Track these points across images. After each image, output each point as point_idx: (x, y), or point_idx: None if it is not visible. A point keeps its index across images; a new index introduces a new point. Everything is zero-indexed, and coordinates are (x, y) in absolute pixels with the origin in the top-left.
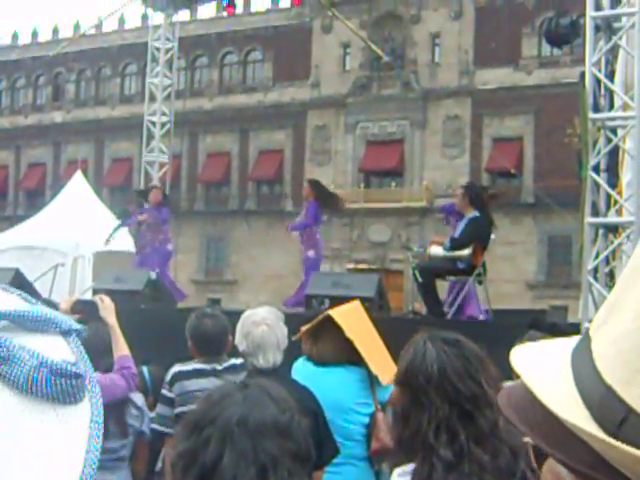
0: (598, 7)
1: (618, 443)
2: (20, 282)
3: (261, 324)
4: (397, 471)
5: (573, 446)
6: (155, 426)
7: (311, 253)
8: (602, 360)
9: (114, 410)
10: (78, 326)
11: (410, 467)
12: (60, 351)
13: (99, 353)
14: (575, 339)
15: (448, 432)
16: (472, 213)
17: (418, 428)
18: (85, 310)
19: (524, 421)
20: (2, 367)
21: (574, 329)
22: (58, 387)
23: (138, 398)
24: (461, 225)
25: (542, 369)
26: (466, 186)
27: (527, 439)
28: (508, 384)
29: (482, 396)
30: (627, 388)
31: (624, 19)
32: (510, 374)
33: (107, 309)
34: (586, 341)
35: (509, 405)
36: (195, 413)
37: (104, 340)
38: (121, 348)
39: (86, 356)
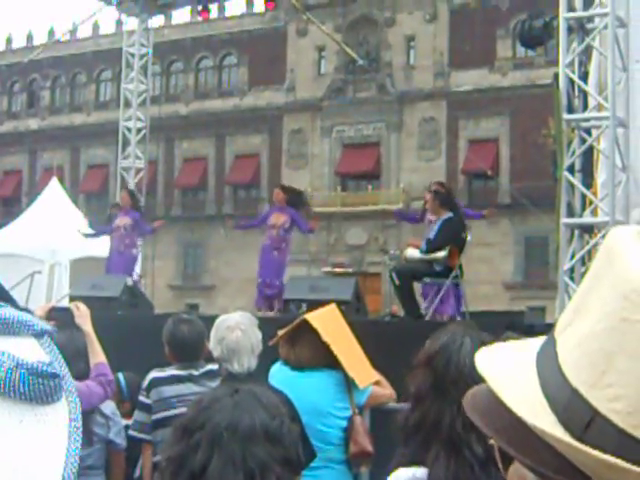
0: (571, 8)
1: (584, 447)
2: None
3: (235, 329)
4: (399, 475)
5: (539, 450)
6: (132, 433)
7: (287, 258)
8: (568, 363)
9: None
10: (50, 327)
11: (421, 472)
12: (34, 352)
13: (72, 359)
14: (540, 340)
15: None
16: (445, 214)
17: (439, 418)
18: (60, 317)
19: (490, 425)
20: None
21: (551, 330)
22: (36, 387)
23: (106, 406)
24: (435, 227)
25: (507, 372)
26: (434, 190)
27: (492, 441)
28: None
29: None
30: (592, 391)
31: (597, 20)
32: None
33: (82, 316)
34: (551, 343)
35: (474, 408)
36: (185, 417)
37: (77, 346)
38: (97, 355)
39: (60, 357)
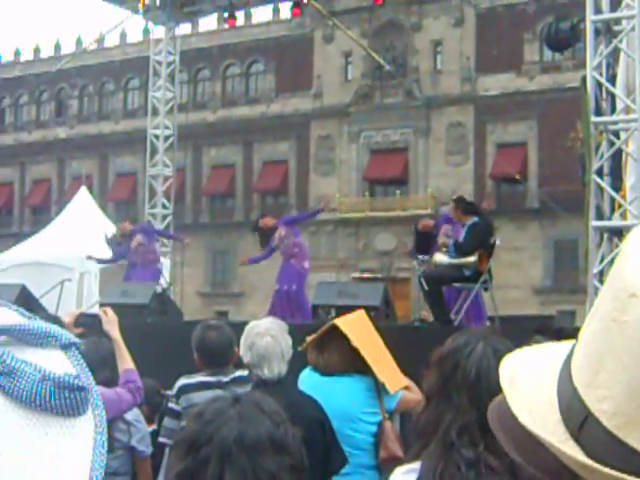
0: (598, 11)
1: (567, 450)
2: (26, 298)
3: (265, 335)
4: (400, 470)
5: (545, 458)
6: (162, 439)
7: (307, 264)
8: (574, 363)
9: None
10: (77, 340)
11: (415, 465)
12: (61, 364)
13: (97, 366)
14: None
15: (470, 436)
16: (470, 220)
17: (438, 419)
18: (88, 324)
19: (506, 436)
20: (5, 381)
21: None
22: (62, 400)
23: (129, 412)
24: (463, 232)
25: (529, 378)
26: (455, 199)
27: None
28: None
29: None
30: (587, 390)
31: (624, 22)
32: None
33: (110, 322)
34: (574, 344)
35: (497, 421)
36: (189, 431)
37: (103, 353)
38: (126, 362)
39: (87, 369)
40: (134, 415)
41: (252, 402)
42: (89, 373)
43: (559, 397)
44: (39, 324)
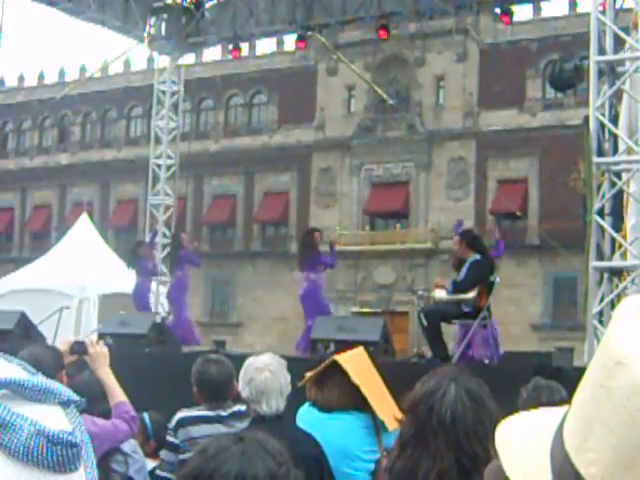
0: (602, 51)
1: None
2: (25, 325)
3: (264, 370)
4: None
5: None
6: (160, 473)
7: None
8: (566, 428)
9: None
10: (76, 397)
11: None
12: (57, 421)
13: (97, 396)
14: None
15: None
16: (473, 257)
17: (415, 465)
18: (83, 351)
19: None
20: (0, 434)
21: (579, 373)
22: (55, 456)
23: (125, 444)
24: (463, 269)
25: (522, 442)
26: (461, 232)
27: None
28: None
29: (485, 460)
30: (577, 454)
31: (627, 63)
32: None
33: (98, 360)
34: (567, 409)
35: None
36: (192, 466)
37: (97, 386)
38: (116, 396)
39: (83, 427)
40: (131, 446)
41: (255, 440)
42: (84, 431)
43: (552, 461)
44: (40, 380)
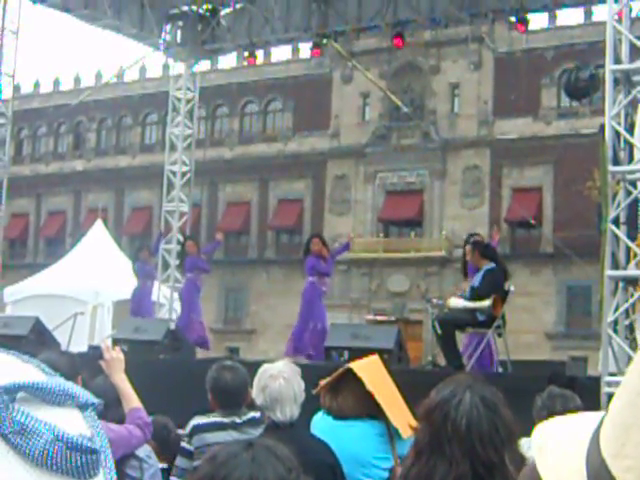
0: (617, 60)
1: None
2: (40, 330)
3: (278, 378)
4: None
5: None
6: (174, 479)
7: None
8: (603, 434)
9: None
10: (95, 400)
11: None
12: (76, 425)
13: (113, 402)
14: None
15: None
16: (487, 265)
17: (430, 472)
18: (98, 356)
19: None
20: (18, 439)
21: (593, 382)
22: (73, 462)
23: (140, 449)
24: (478, 277)
25: (557, 446)
26: (473, 242)
27: None
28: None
29: (500, 467)
30: (614, 461)
31: None
32: (528, 429)
33: (112, 366)
34: (604, 415)
35: None
36: (202, 473)
37: (114, 392)
38: (131, 402)
39: (102, 431)
40: (145, 451)
41: (265, 447)
42: (104, 435)
43: (587, 466)
44: (57, 382)
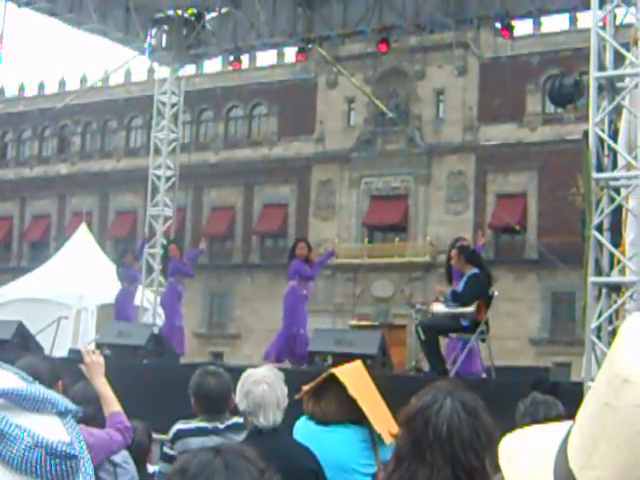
0: (602, 67)
1: None
2: (23, 335)
3: (261, 383)
4: None
5: None
6: None
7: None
8: (570, 444)
9: None
10: (74, 407)
11: None
12: (55, 431)
13: (93, 406)
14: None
15: None
16: (471, 270)
17: (412, 478)
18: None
19: None
20: None
21: (577, 388)
22: (52, 467)
23: (117, 454)
24: (461, 282)
25: (525, 458)
26: (458, 247)
27: None
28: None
29: (481, 472)
30: (581, 472)
31: (627, 79)
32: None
33: (92, 371)
34: (571, 425)
35: None
36: None
37: (92, 393)
38: (111, 405)
39: (81, 437)
40: (122, 457)
41: (235, 451)
42: (83, 441)
43: (555, 476)
44: (37, 389)
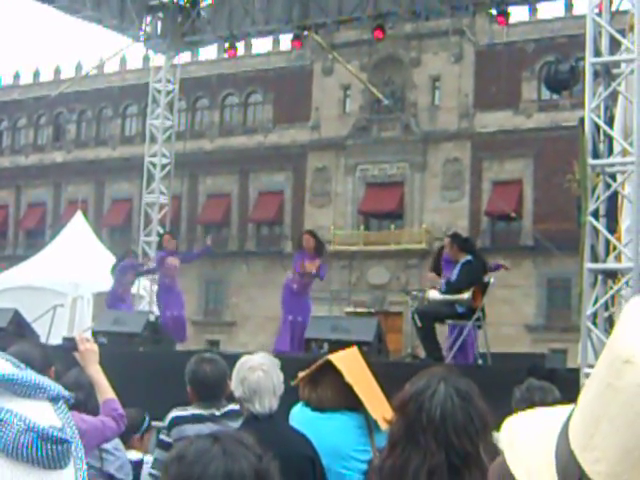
0: (597, 53)
1: None
2: (18, 323)
3: (257, 369)
4: None
5: None
6: (153, 471)
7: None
8: (572, 425)
9: None
10: (66, 393)
11: None
12: (47, 416)
13: (87, 392)
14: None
15: (439, 478)
16: (464, 258)
17: (405, 463)
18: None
19: None
20: None
21: (572, 375)
22: (44, 452)
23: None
24: (456, 270)
25: (526, 440)
26: (451, 235)
27: None
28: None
29: (475, 457)
30: (583, 453)
31: (623, 65)
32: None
33: (87, 358)
34: (573, 408)
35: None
36: (174, 475)
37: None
38: (105, 393)
39: (73, 423)
40: (113, 443)
41: (232, 438)
42: (74, 426)
43: (557, 458)
44: (29, 375)
